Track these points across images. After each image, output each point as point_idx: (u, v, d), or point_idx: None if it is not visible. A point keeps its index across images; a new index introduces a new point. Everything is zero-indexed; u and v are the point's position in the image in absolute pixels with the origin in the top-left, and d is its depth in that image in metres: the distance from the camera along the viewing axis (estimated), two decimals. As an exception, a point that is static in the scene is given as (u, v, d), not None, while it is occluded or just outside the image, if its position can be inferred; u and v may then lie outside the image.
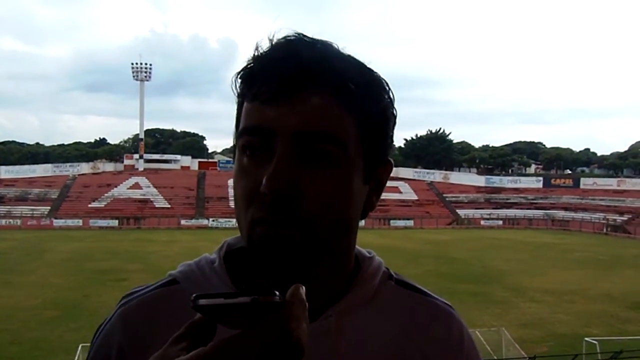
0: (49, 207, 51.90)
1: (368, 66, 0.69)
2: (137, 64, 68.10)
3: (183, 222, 50.17)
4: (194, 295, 0.41)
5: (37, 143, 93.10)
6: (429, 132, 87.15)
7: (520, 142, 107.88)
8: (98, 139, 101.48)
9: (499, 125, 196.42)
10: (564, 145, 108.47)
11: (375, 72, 0.70)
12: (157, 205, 54.12)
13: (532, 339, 16.59)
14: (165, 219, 50.18)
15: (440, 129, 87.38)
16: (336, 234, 0.67)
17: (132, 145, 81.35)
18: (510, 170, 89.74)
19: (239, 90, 0.67)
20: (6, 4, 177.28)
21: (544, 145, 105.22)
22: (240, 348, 0.38)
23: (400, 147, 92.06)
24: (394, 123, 0.72)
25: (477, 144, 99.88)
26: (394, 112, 0.71)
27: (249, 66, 0.66)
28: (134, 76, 68.15)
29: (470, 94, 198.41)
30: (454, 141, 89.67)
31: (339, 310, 0.72)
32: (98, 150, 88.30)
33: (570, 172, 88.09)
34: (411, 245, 37.38)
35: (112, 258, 29.79)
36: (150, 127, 75.23)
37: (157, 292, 0.74)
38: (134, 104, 70.83)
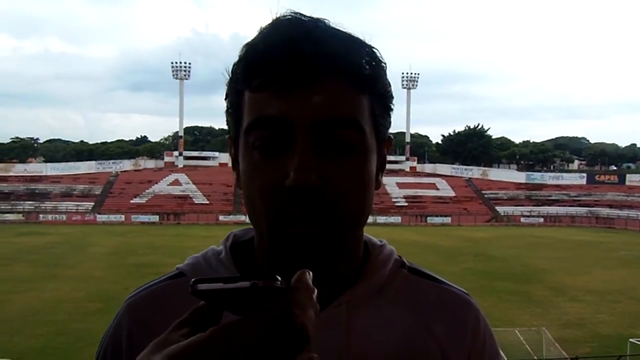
0: (93, 203, 53.45)
1: (366, 41, 0.66)
2: (176, 63, 69.28)
3: (221, 217, 50.86)
4: (192, 279, 0.39)
5: (82, 141, 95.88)
6: (467, 128, 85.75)
7: (562, 137, 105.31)
8: (140, 136, 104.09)
9: (540, 120, 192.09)
10: (608, 141, 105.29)
11: (374, 47, 0.66)
12: (196, 202, 55.03)
13: (574, 340, 16.20)
14: (204, 214, 51.01)
15: (478, 124, 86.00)
16: (358, 222, 0.66)
17: (172, 143, 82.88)
18: (552, 167, 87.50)
19: (238, 79, 0.63)
20: (55, 8, 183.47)
21: (588, 141, 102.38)
22: (239, 334, 0.37)
23: (437, 143, 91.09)
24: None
25: (517, 139, 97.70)
26: (391, 85, 0.69)
27: (250, 53, 0.62)
28: (173, 75, 69.36)
29: (511, 88, 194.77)
30: (493, 137, 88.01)
31: (349, 298, 0.70)
32: (139, 147, 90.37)
33: (615, 168, 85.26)
34: (448, 243, 36.86)
35: (152, 253, 30.46)
36: (189, 125, 76.63)
37: (164, 284, 0.74)
38: (175, 102, 72.13)
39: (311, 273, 0.42)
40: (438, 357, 0.71)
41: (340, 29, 0.65)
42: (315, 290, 0.41)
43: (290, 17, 0.62)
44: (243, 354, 0.36)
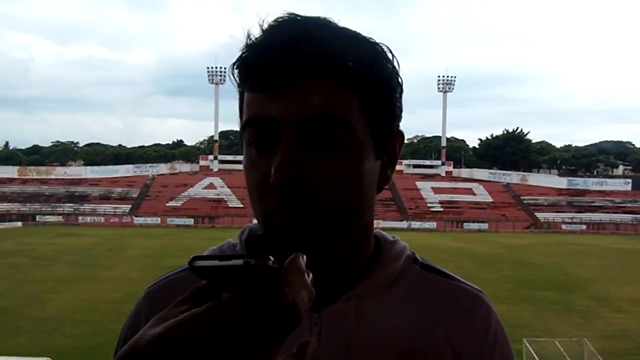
0: (130, 206, 54.63)
1: (367, 37, 0.67)
2: (212, 68, 70.20)
3: (255, 221, 50.98)
4: (192, 256, 0.41)
5: (120, 145, 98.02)
6: (505, 132, 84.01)
7: (606, 141, 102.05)
8: (176, 140, 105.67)
9: (583, 124, 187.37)
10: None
11: (376, 43, 0.67)
12: (230, 205, 55.51)
13: (618, 352, 15.52)
14: (238, 218, 51.30)
15: (517, 128, 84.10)
16: (351, 218, 0.66)
17: (207, 147, 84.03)
18: (595, 172, 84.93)
19: (237, 81, 0.66)
20: (97, 15, 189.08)
21: (634, 145, 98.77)
22: (230, 311, 0.38)
23: (474, 147, 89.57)
24: (401, 92, 0.69)
25: (558, 144, 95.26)
26: (399, 80, 0.69)
27: (243, 55, 0.64)
28: (209, 80, 70.25)
29: (553, 91, 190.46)
30: (533, 141, 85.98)
31: (359, 292, 0.70)
32: (175, 151, 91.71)
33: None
34: (486, 249, 36.04)
35: (187, 255, 28.85)
36: (225, 129, 77.34)
37: (181, 275, 0.77)
38: (211, 107, 73.05)
39: (305, 256, 0.42)
40: (448, 353, 0.71)
41: (337, 26, 0.65)
42: (311, 275, 0.42)
43: (284, 18, 0.64)
44: (233, 328, 0.37)
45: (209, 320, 0.38)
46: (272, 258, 0.40)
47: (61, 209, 53.21)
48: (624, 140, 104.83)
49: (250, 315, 0.38)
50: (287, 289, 0.39)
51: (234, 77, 0.66)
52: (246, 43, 0.64)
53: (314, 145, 0.62)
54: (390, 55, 0.68)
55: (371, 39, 0.67)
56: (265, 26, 0.64)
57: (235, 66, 0.65)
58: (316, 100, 0.61)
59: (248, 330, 0.37)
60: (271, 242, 0.64)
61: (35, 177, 60.59)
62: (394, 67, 0.68)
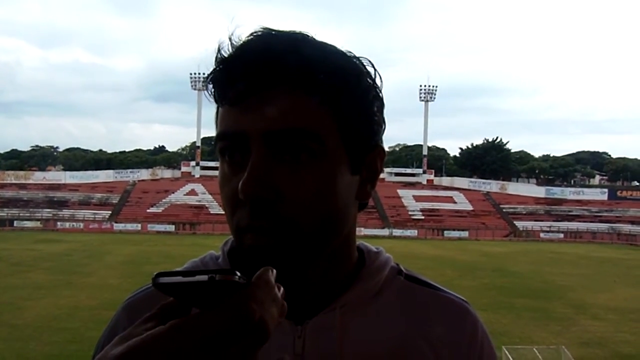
0: (110, 212, 53.97)
1: (345, 51, 0.67)
2: (195, 73, 69.91)
3: (237, 229, 50.88)
4: (155, 273, 0.39)
5: (100, 150, 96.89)
6: (485, 141, 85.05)
7: (583, 151, 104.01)
8: (157, 146, 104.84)
9: (562, 134, 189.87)
10: (631, 156, 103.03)
11: (351, 57, 0.67)
12: (212, 212, 55.13)
13: (594, 359, 15.75)
14: (220, 225, 50.92)
15: (497, 137, 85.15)
16: (325, 232, 0.65)
17: (189, 153, 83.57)
18: (572, 181, 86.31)
19: (211, 95, 0.66)
20: (85, 19, 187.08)
21: (610, 155, 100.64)
22: (194, 328, 0.37)
23: (455, 156, 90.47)
24: (381, 105, 0.69)
25: (537, 153, 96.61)
26: (378, 93, 0.68)
27: (214, 70, 0.64)
28: (192, 86, 69.92)
29: (532, 102, 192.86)
30: (512, 150, 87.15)
31: (343, 304, 0.69)
32: (157, 157, 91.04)
33: (637, 183, 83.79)
34: (466, 257, 36.36)
35: (168, 262, 30.49)
36: (207, 135, 76.92)
37: None
38: (195, 113, 72.70)
39: (274, 271, 0.41)
40: None
41: (312, 40, 0.65)
42: (282, 289, 0.41)
43: (258, 33, 0.63)
44: (200, 346, 0.36)
45: (172, 338, 0.36)
46: (238, 273, 0.38)
47: (39, 215, 52.34)
48: (601, 150, 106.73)
49: (215, 333, 0.37)
50: (254, 305, 0.38)
51: (208, 92, 0.65)
52: (216, 57, 0.63)
53: (283, 159, 0.61)
54: (371, 69, 0.67)
55: (349, 52, 0.67)
56: (237, 40, 0.63)
57: (208, 80, 0.64)
58: (285, 113, 0.60)
59: (213, 348, 0.36)
60: (245, 261, 0.62)
61: (14, 181, 59.60)
62: (373, 81, 0.67)
